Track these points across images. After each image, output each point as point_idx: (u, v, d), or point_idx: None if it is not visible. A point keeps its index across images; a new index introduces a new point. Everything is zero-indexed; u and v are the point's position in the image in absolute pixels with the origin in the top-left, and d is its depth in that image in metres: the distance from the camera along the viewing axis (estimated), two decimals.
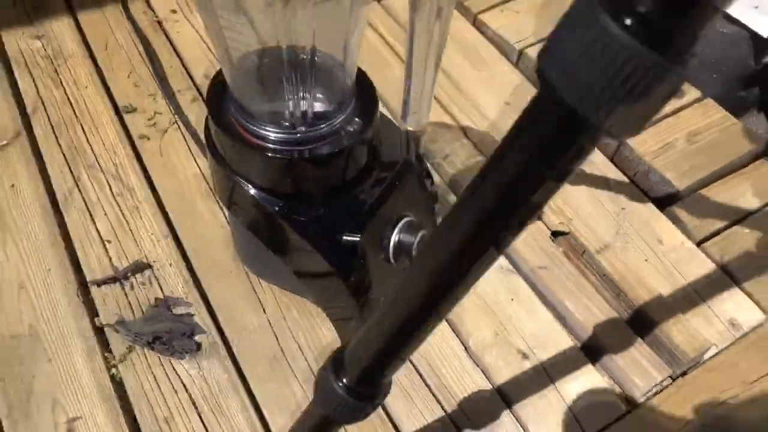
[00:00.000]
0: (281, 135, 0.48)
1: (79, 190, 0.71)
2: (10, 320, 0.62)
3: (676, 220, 0.72)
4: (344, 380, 0.36)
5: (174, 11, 0.91)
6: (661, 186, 0.75)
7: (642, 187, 0.76)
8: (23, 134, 0.76)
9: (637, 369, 0.61)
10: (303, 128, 0.48)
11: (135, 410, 0.58)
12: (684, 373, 0.61)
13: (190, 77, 0.84)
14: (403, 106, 0.53)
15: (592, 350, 0.63)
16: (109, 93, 0.81)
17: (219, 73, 0.51)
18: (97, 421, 0.57)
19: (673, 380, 0.61)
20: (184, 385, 0.59)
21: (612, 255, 0.68)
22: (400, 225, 0.53)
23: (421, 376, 0.60)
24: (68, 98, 0.80)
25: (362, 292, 0.53)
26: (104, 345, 0.61)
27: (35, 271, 0.65)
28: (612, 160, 0.77)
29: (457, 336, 0.63)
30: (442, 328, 0.63)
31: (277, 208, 0.51)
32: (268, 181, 0.51)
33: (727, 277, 0.67)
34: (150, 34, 0.88)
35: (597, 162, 0.76)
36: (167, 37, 0.88)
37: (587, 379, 0.60)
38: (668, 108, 0.79)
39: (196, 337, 0.61)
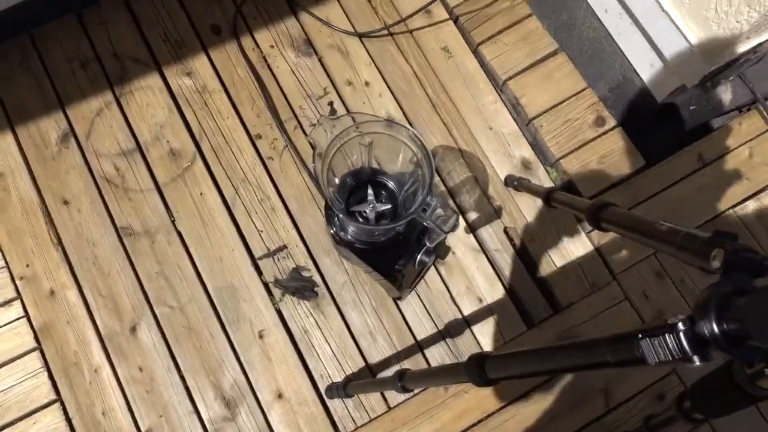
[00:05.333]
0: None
1: (239, 197, 1.26)
2: (220, 280, 1.22)
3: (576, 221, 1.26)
4: (483, 373, 0.68)
5: (272, 46, 1.35)
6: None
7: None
8: (198, 156, 1.28)
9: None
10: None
11: (288, 324, 1.20)
12: None
13: (290, 107, 1.31)
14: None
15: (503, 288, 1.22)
16: (243, 123, 1.30)
17: None
18: (274, 330, 1.20)
19: None
20: (310, 310, 1.20)
21: (535, 243, 1.24)
22: (422, 251, 1.09)
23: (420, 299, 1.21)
24: (219, 127, 1.30)
25: (397, 280, 1.11)
26: (269, 293, 1.22)
27: (225, 251, 1.23)
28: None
29: (445, 284, 1.22)
30: (436, 276, 1.22)
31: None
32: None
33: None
34: (260, 69, 1.33)
35: (538, 178, 1.28)
36: (271, 71, 1.33)
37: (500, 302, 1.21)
38: (592, 135, 1.28)
39: (315, 289, 1.21)
